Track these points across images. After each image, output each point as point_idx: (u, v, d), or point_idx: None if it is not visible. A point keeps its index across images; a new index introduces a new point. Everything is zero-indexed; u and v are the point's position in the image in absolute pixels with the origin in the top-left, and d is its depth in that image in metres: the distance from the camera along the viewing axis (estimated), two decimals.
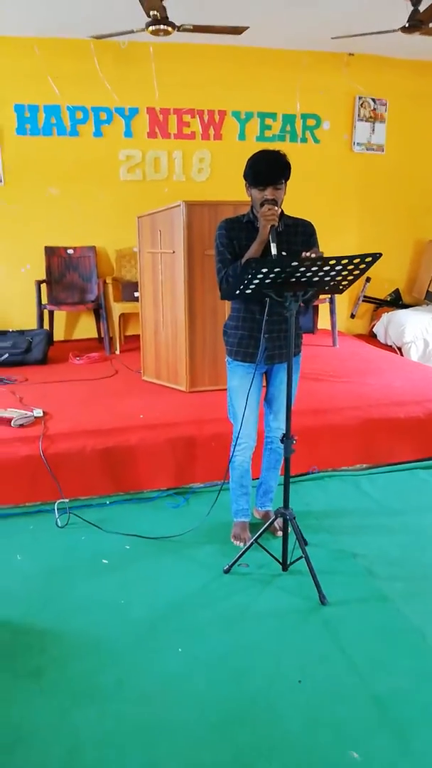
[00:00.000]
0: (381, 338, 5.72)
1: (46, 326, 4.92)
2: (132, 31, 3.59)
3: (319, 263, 1.96)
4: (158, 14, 3.24)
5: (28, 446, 2.93)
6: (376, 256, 1.95)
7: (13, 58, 4.71)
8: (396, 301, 6.12)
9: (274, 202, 2.22)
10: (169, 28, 3.39)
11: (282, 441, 2.27)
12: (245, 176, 2.29)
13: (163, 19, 3.32)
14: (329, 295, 5.07)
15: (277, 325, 2.38)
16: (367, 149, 5.57)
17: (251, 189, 2.29)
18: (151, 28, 3.38)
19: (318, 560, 2.41)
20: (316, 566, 2.34)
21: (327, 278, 2.04)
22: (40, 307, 4.84)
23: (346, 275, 2.05)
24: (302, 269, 1.95)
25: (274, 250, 2.15)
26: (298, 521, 2.68)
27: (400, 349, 5.29)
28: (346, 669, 1.85)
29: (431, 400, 3.56)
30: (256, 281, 1.99)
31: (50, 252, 5.09)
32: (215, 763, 1.53)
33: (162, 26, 3.34)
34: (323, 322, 5.51)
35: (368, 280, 5.93)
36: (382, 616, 2.09)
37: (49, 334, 4.72)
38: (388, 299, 6.13)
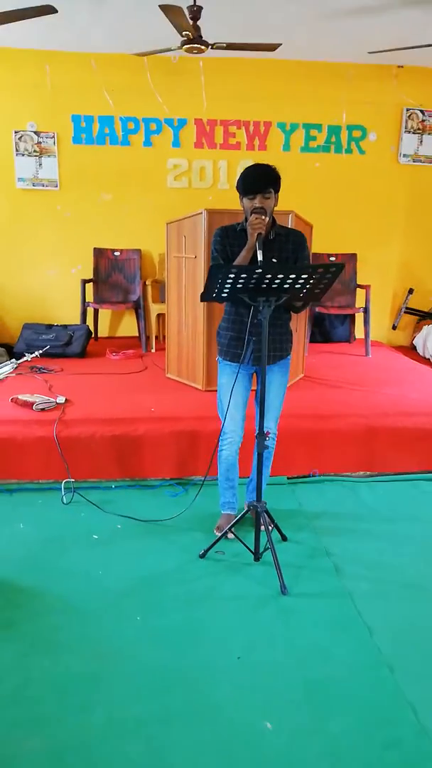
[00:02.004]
0: (420, 351, 5.68)
1: (89, 323, 5.25)
2: (170, 49, 3.83)
3: (283, 272, 2.08)
4: (190, 34, 3.45)
5: (44, 428, 3.20)
6: (339, 267, 2.05)
7: (72, 71, 5.09)
8: None
9: (263, 211, 2.34)
10: (202, 47, 3.60)
11: (256, 437, 2.39)
12: (237, 187, 2.43)
13: (196, 39, 3.53)
14: (362, 306, 5.11)
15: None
16: (414, 161, 5.54)
17: (242, 198, 2.43)
18: (185, 46, 3.60)
19: (292, 555, 2.53)
20: (290, 560, 2.47)
21: (297, 286, 2.16)
22: (84, 304, 5.18)
23: (315, 284, 2.15)
24: (269, 276, 2.08)
25: (260, 257, 2.28)
26: (288, 519, 2.82)
27: None
28: (287, 653, 1.96)
29: None
30: (228, 285, 2.14)
31: (98, 253, 5.43)
32: (141, 717, 1.69)
33: (195, 45, 3.55)
34: (362, 332, 5.52)
35: (411, 291, 5.89)
36: (337, 611, 2.17)
37: (89, 330, 5.03)
38: None
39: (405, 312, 5.95)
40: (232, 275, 2.07)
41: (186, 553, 2.55)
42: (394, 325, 6.02)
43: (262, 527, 2.44)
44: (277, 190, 2.43)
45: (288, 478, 3.30)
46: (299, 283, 2.15)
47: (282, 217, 3.57)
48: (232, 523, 2.54)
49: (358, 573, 2.42)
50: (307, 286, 2.17)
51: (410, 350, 5.77)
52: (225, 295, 2.23)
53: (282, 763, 1.55)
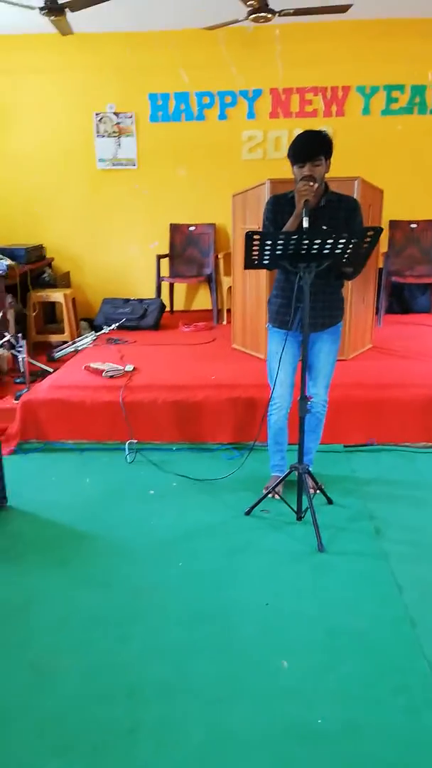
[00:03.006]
0: None
1: (164, 297, 5.46)
2: (237, 21, 3.85)
3: (318, 238, 2.11)
4: (255, 3, 3.46)
5: (111, 394, 3.45)
6: (378, 231, 2.06)
7: (149, 51, 5.22)
8: None
9: (311, 179, 2.36)
10: (269, 15, 3.59)
11: (299, 401, 2.46)
12: (288, 155, 2.47)
13: (262, 7, 3.53)
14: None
15: (313, 295, 2.53)
16: None
17: (293, 167, 2.46)
18: (251, 16, 3.61)
19: (335, 517, 2.60)
20: (332, 522, 2.55)
21: (337, 251, 2.18)
22: (159, 279, 5.39)
23: (355, 249, 2.16)
24: (306, 242, 2.12)
25: (305, 224, 2.32)
26: (338, 484, 2.89)
27: None
28: (314, 604, 2.05)
29: None
30: (267, 252, 2.20)
31: (174, 229, 5.60)
32: (170, 645, 1.87)
33: (261, 14, 3.56)
34: None
35: None
36: (370, 569, 2.22)
37: (162, 304, 5.25)
38: None
39: None
40: (269, 241, 2.14)
41: (233, 510, 2.69)
42: None
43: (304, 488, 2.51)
44: (328, 157, 2.44)
45: (345, 446, 3.32)
46: (339, 248, 2.17)
47: (347, 183, 3.53)
48: (276, 483, 2.64)
49: (399, 537, 2.44)
50: (347, 251, 2.19)
51: None
52: (266, 261, 2.30)
53: (291, 697, 1.66)
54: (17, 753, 1.52)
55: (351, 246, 2.16)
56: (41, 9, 3.61)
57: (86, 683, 1.74)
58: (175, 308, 5.75)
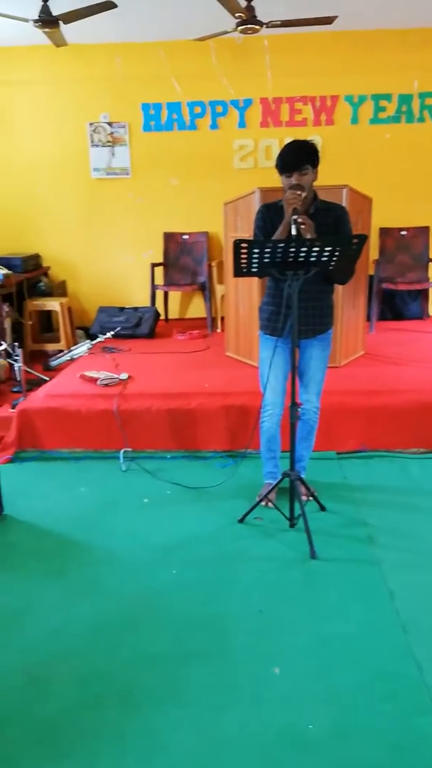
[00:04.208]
0: None
1: (159, 305, 5.50)
2: (226, 32, 3.90)
3: (305, 246, 2.14)
4: (243, 15, 3.51)
5: (106, 402, 3.47)
6: (362, 238, 2.09)
7: (142, 61, 5.27)
8: None
9: (299, 187, 2.40)
10: (256, 26, 3.65)
11: (290, 407, 2.48)
12: (276, 165, 2.51)
13: (250, 19, 3.58)
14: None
15: (303, 302, 2.56)
16: None
17: (281, 176, 2.50)
18: (240, 27, 3.67)
19: (328, 524, 2.62)
20: (325, 528, 2.57)
21: (324, 259, 2.21)
22: (153, 287, 5.43)
23: (341, 256, 2.20)
24: (292, 250, 2.15)
25: (293, 231, 2.36)
26: (330, 491, 2.91)
27: None
28: (306, 610, 2.07)
29: None
30: (255, 260, 2.23)
31: (168, 237, 5.64)
32: (163, 654, 1.89)
33: (249, 25, 3.61)
34: None
35: None
36: (363, 576, 2.25)
37: (157, 312, 5.28)
38: None
39: None
40: (256, 250, 2.17)
41: (225, 517, 2.71)
42: None
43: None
44: (315, 166, 2.48)
45: (337, 453, 3.35)
46: (325, 256, 2.20)
47: (335, 192, 3.58)
48: (269, 490, 2.66)
49: (391, 543, 2.46)
50: (334, 259, 2.22)
51: None
52: (255, 269, 2.33)
53: (282, 703, 1.68)
54: (17, 758, 1.54)
55: (337, 254, 2.19)
56: (35, 21, 3.65)
57: (79, 690, 1.76)
58: (169, 316, 5.78)
